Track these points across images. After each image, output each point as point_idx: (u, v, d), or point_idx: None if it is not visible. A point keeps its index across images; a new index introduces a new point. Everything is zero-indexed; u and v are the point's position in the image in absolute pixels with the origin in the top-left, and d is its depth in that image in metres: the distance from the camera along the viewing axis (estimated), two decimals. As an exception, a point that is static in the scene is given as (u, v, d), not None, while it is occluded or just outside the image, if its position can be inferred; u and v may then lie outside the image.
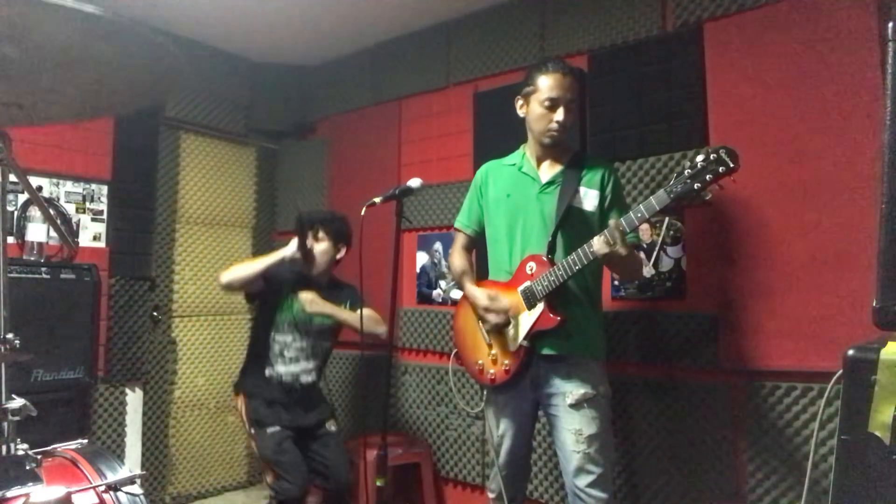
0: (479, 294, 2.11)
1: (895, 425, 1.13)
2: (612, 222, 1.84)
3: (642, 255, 2.42)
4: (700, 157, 1.76)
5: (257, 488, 3.77)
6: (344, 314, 2.68)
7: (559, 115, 2.02)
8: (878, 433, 1.15)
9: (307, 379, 2.71)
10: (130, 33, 1.17)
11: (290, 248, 2.65)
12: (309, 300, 2.64)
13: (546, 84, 2.02)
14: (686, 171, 1.77)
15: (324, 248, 2.74)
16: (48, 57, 1.19)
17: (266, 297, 2.76)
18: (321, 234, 2.74)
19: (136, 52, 1.24)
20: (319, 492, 2.71)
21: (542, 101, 2.03)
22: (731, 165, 1.71)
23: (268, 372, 2.68)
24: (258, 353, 2.73)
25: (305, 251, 2.67)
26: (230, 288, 2.74)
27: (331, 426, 2.76)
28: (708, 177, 1.73)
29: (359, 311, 2.48)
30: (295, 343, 2.71)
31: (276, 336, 2.71)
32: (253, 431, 2.64)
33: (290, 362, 2.69)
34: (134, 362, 3.25)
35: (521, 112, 2.14)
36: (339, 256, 2.79)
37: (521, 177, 2.14)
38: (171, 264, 3.51)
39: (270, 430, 2.59)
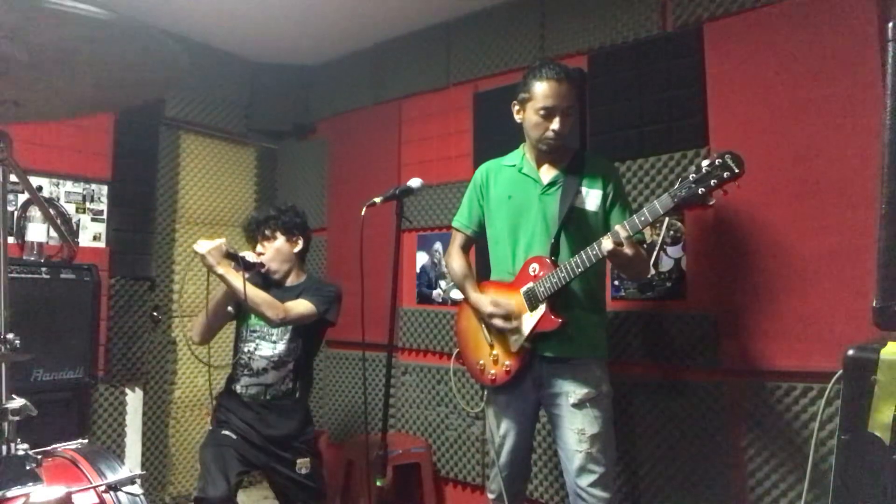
0: (483, 301, 2.10)
1: (895, 425, 1.13)
2: (617, 227, 1.83)
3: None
4: (705, 162, 1.74)
5: (257, 488, 3.77)
6: (234, 280, 2.30)
7: (555, 124, 2.00)
8: (878, 433, 1.15)
9: (278, 390, 2.46)
10: (132, 33, 1.17)
11: (232, 279, 2.32)
12: (203, 251, 2.29)
13: (541, 92, 1.99)
14: (691, 176, 1.75)
15: (277, 246, 2.53)
16: (49, 56, 1.19)
17: (240, 311, 2.55)
18: (268, 233, 2.53)
19: (138, 51, 1.24)
20: None
21: (537, 109, 2.00)
22: (737, 171, 1.70)
23: (235, 387, 2.49)
24: (232, 367, 2.57)
25: (248, 264, 2.39)
26: (205, 340, 2.50)
27: (302, 469, 2.45)
28: (713, 182, 1.72)
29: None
30: (259, 351, 2.47)
31: (242, 346, 2.51)
32: (210, 428, 2.50)
33: (259, 374, 2.46)
34: (134, 362, 3.25)
35: (517, 117, 2.12)
36: (297, 250, 2.56)
37: (521, 178, 2.14)
38: (171, 264, 3.51)
39: (225, 432, 2.40)
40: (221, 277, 2.33)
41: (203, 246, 2.33)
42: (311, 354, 2.62)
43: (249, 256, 2.44)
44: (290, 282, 2.58)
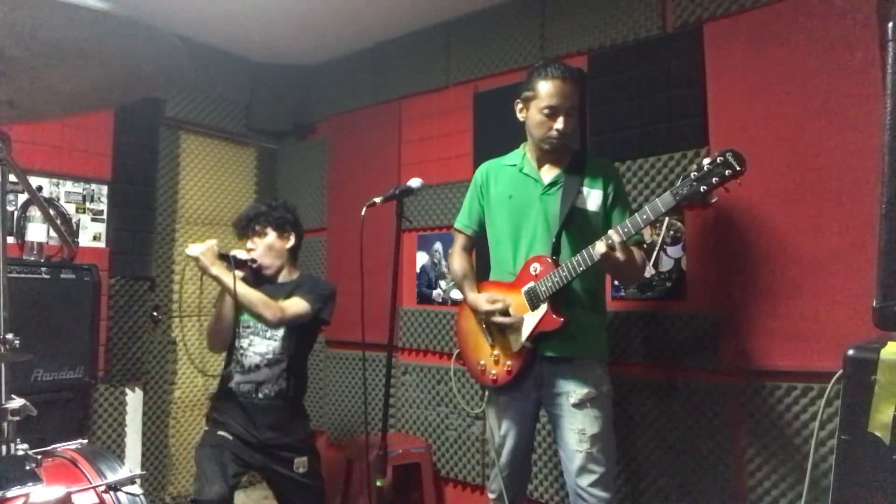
0: (479, 300, 2.10)
1: (895, 425, 1.13)
2: (611, 231, 1.84)
3: (643, 253, 2.42)
4: (706, 160, 1.74)
5: (257, 489, 3.77)
6: (229, 281, 2.30)
7: (559, 123, 2.00)
8: (878, 433, 1.15)
9: (270, 389, 2.43)
10: (131, 28, 1.17)
11: (227, 280, 2.32)
12: (196, 253, 2.30)
13: (546, 91, 1.99)
14: (692, 174, 1.75)
15: (268, 242, 2.51)
16: (45, 52, 1.18)
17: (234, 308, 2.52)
18: (258, 229, 2.51)
19: (137, 46, 1.24)
20: None
21: (541, 108, 2.00)
22: (738, 169, 1.70)
23: (230, 384, 2.46)
24: (226, 364, 2.54)
25: (239, 262, 2.39)
26: (222, 347, 2.52)
27: (299, 468, 2.44)
28: (714, 180, 1.72)
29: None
30: (252, 347, 2.45)
31: (236, 343, 2.48)
32: (206, 428, 2.48)
33: (251, 371, 2.43)
34: (134, 362, 3.24)
35: (520, 116, 2.11)
36: (289, 245, 2.55)
37: (522, 178, 2.13)
38: (171, 264, 3.51)
39: (220, 433, 2.39)
40: (217, 279, 2.33)
41: (195, 249, 2.33)
42: (305, 353, 2.60)
43: (240, 254, 2.44)
44: (282, 278, 2.56)
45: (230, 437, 2.39)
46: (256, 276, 2.51)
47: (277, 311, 2.35)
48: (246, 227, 2.55)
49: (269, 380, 2.44)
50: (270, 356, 2.45)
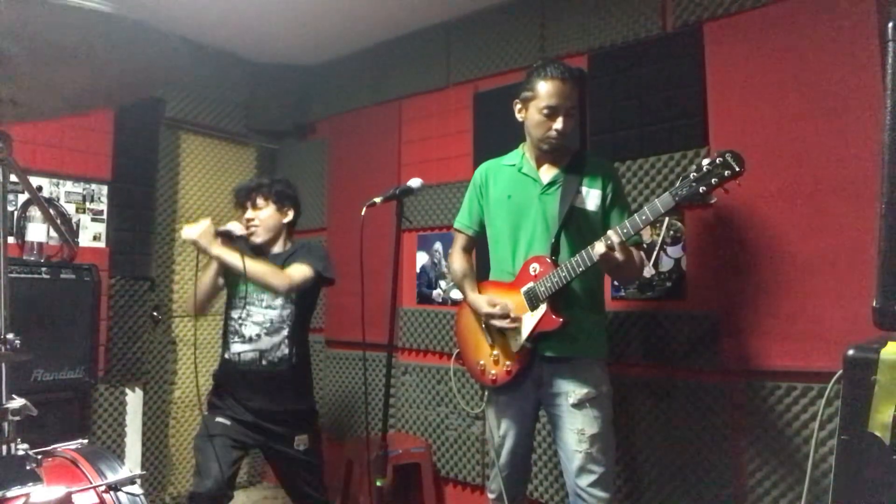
0: (480, 301, 2.10)
1: (895, 425, 1.13)
2: (610, 231, 1.84)
3: (643, 254, 2.42)
4: (706, 161, 1.74)
5: (257, 488, 3.77)
6: (231, 258, 2.31)
7: (558, 123, 1.99)
8: (878, 433, 1.15)
9: (274, 356, 2.42)
10: (132, 29, 1.17)
11: (231, 258, 2.33)
12: (194, 236, 2.31)
13: (545, 91, 1.99)
14: (691, 175, 1.75)
15: (267, 214, 2.51)
16: (48, 53, 1.19)
17: (228, 278, 2.55)
18: (259, 201, 2.52)
19: (138, 47, 1.24)
20: None
21: (540, 108, 2.00)
22: (737, 169, 1.70)
23: (227, 355, 2.47)
24: (223, 335, 2.54)
25: (237, 237, 2.41)
26: (200, 312, 2.55)
27: (300, 445, 2.45)
28: (713, 181, 1.72)
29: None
30: (251, 318, 2.44)
31: (232, 314, 2.49)
32: (206, 413, 2.47)
33: (251, 340, 2.43)
34: (134, 362, 3.25)
35: (519, 116, 2.11)
36: (286, 220, 2.56)
37: (521, 178, 2.13)
38: (171, 264, 3.52)
39: (218, 419, 2.38)
40: (219, 258, 2.34)
41: (191, 231, 2.33)
42: (306, 320, 2.59)
43: (235, 229, 2.43)
44: (276, 249, 2.55)
45: (227, 423, 2.38)
46: (251, 248, 2.50)
47: (286, 279, 2.35)
48: (246, 198, 2.55)
49: (271, 348, 2.44)
50: (269, 325, 2.44)
